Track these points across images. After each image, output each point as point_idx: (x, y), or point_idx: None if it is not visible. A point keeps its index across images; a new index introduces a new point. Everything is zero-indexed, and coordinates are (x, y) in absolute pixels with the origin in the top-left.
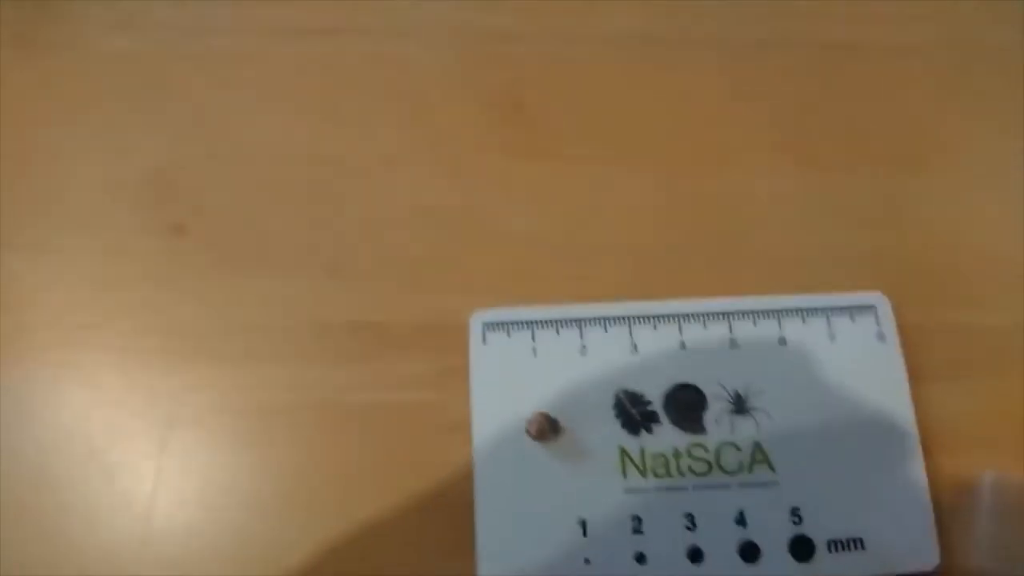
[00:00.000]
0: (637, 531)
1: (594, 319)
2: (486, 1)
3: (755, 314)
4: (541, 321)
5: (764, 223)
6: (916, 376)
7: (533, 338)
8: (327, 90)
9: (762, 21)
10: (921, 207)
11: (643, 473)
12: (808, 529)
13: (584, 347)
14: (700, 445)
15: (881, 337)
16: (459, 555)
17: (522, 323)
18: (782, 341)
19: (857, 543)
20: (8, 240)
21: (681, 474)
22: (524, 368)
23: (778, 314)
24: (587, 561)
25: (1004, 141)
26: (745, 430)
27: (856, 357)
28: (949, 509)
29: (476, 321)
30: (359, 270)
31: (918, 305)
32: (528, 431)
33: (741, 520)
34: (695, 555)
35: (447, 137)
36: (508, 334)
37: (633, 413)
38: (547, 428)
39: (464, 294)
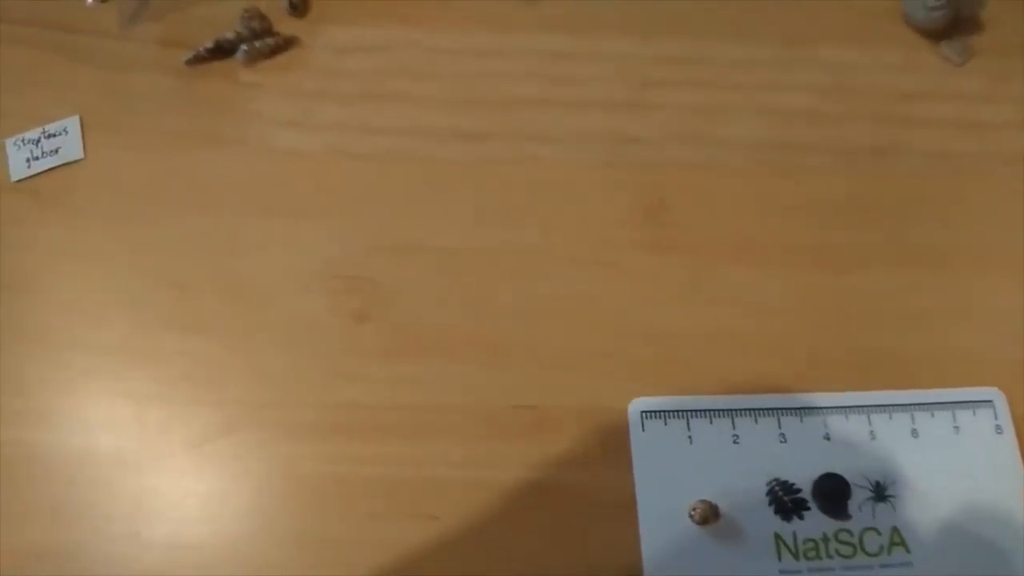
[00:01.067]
0: None
1: (745, 410)
2: (630, 111)
3: (890, 408)
4: (695, 411)
5: (888, 322)
6: None
7: (688, 427)
8: (485, 188)
9: (876, 130)
10: None
11: (796, 556)
12: None
13: (736, 436)
14: (846, 530)
15: (999, 430)
16: None
17: (677, 412)
18: (914, 433)
19: None
20: (198, 322)
21: (829, 557)
22: (682, 455)
23: (910, 408)
24: None
25: None
26: (884, 516)
27: (978, 449)
28: None
29: (635, 410)
30: (518, 355)
31: None
32: (692, 517)
33: None
34: None
35: (596, 233)
36: (665, 422)
37: (786, 501)
38: (709, 514)
39: (616, 379)
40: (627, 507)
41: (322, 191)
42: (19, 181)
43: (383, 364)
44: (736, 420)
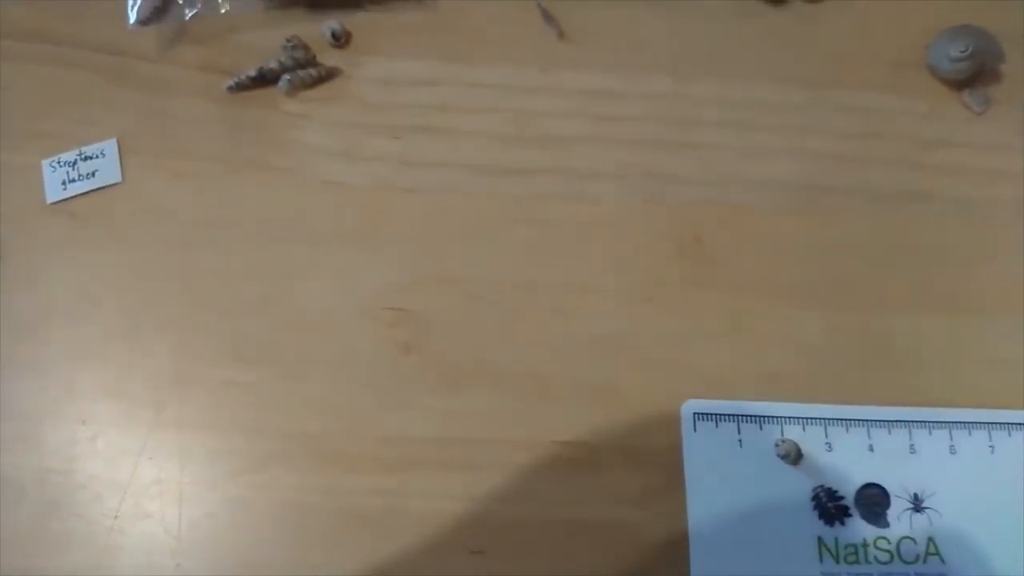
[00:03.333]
0: None
1: (794, 418)
2: (668, 150)
3: (930, 424)
4: (746, 415)
5: (922, 359)
6: None
7: (739, 431)
8: (528, 222)
9: (901, 175)
10: None
11: (836, 560)
12: None
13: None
14: (884, 538)
15: None
16: None
17: (729, 416)
18: (952, 450)
19: None
20: (243, 351)
21: (868, 562)
22: (731, 457)
23: (949, 426)
24: None
25: None
26: (921, 526)
27: (1011, 468)
28: None
29: (688, 410)
30: (562, 389)
31: None
32: (777, 449)
33: None
34: None
35: (635, 269)
36: (716, 424)
37: (829, 507)
38: (793, 451)
39: (658, 415)
40: (677, 545)
41: (368, 222)
42: (55, 203)
43: (429, 396)
44: (784, 428)
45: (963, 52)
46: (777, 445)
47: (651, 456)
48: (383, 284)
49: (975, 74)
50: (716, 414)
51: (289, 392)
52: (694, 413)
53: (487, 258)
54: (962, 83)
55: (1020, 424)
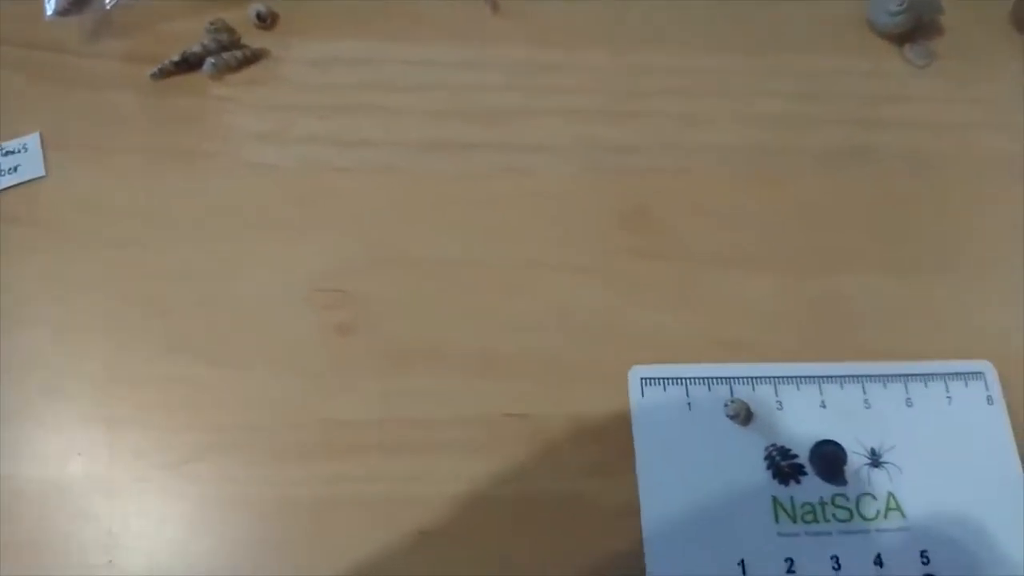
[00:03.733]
0: (790, 571)
1: (742, 378)
2: (609, 120)
3: (885, 378)
4: (693, 378)
5: (879, 318)
6: None
7: (687, 394)
8: (469, 199)
9: (849, 133)
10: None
11: (794, 519)
12: (935, 569)
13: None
14: (842, 495)
15: (990, 401)
16: None
17: (676, 379)
18: (908, 403)
19: None
20: (176, 343)
21: (827, 520)
22: (680, 421)
23: (904, 379)
24: None
25: None
26: (880, 482)
27: (969, 419)
28: None
29: (635, 375)
30: (508, 364)
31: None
32: (726, 409)
33: (879, 561)
34: None
35: (580, 241)
36: (664, 389)
37: (783, 466)
38: (743, 411)
39: (606, 386)
40: (629, 514)
41: (303, 205)
42: None
43: (372, 379)
44: (734, 388)
45: (900, 5)
46: (726, 405)
47: (601, 426)
48: (319, 268)
49: (915, 27)
50: (664, 378)
51: (226, 383)
52: (641, 378)
53: (427, 237)
54: (903, 38)
55: (977, 373)
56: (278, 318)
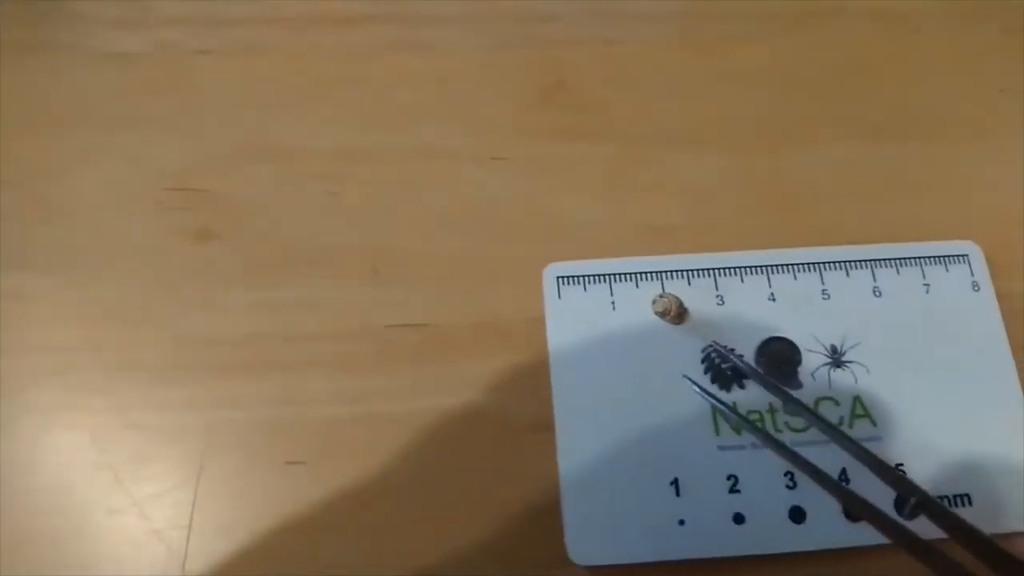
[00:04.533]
0: (734, 490)
1: (677, 271)
2: None
3: (848, 264)
4: (619, 274)
5: (840, 194)
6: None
7: (611, 292)
8: (358, 82)
9: None
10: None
11: (737, 430)
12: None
13: None
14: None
15: (976, 287)
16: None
17: (599, 277)
18: (876, 292)
19: (964, 499)
20: (18, 258)
21: (779, 431)
22: (604, 324)
23: (871, 264)
24: (681, 523)
25: None
26: (844, 384)
27: (952, 308)
28: None
29: (550, 274)
30: (400, 268)
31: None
32: (654, 306)
33: (844, 477)
34: (797, 515)
35: (488, 125)
36: (584, 288)
37: (724, 369)
38: (673, 307)
39: (516, 288)
40: (542, 427)
41: (161, 95)
42: None
43: (237, 290)
44: (666, 283)
45: None
46: (654, 302)
47: (511, 334)
48: (177, 165)
49: None
50: (584, 275)
51: (69, 299)
52: (558, 277)
53: (304, 126)
54: None
55: (960, 255)
56: (126, 221)
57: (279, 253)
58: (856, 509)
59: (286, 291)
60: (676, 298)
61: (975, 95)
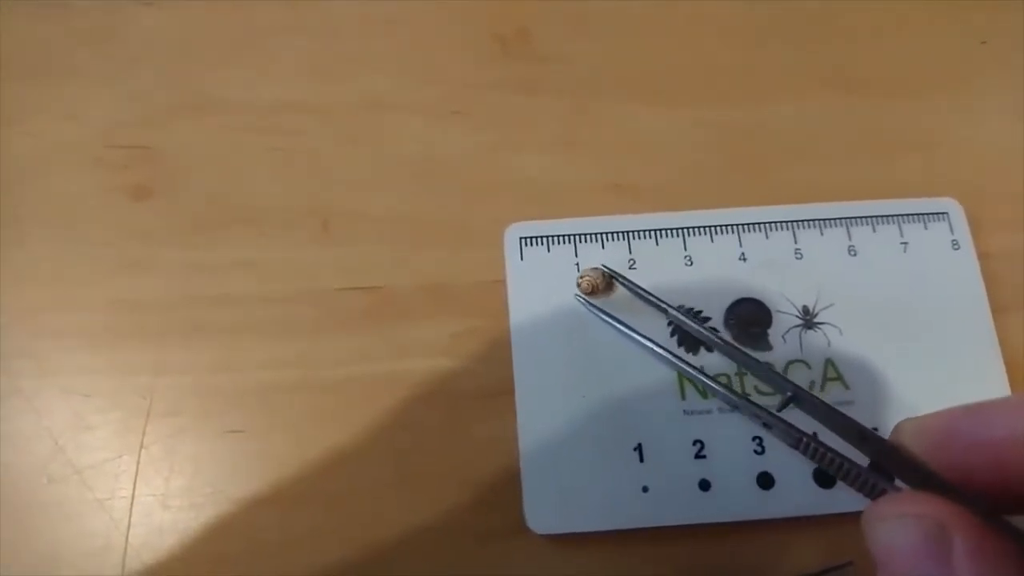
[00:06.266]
0: (700, 456)
1: (644, 231)
2: None
3: (821, 223)
4: (583, 234)
5: (816, 150)
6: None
7: (576, 254)
8: (302, 30)
9: None
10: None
11: (704, 394)
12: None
13: (633, 261)
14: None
15: (956, 245)
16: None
17: (563, 237)
18: (851, 251)
19: None
20: None
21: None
22: (568, 287)
23: (846, 222)
24: (645, 489)
25: None
26: (816, 346)
27: (931, 268)
28: None
29: (512, 235)
30: (349, 228)
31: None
32: (578, 286)
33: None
34: (765, 481)
35: (444, 76)
36: (548, 249)
37: (690, 330)
38: (599, 283)
39: (475, 250)
40: (502, 392)
41: (95, 46)
42: None
43: (174, 249)
44: (633, 243)
45: None
46: (578, 284)
47: (470, 297)
48: (112, 120)
49: None
50: (547, 236)
51: (1, 259)
52: (520, 237)
53: (245, 78)
54: None
55: (939, 213)
56: (57, 179)
57: (219, 212)
58: (832, 469)
59: (226, 251)
60: (598, 270)
61: (956, 47)
